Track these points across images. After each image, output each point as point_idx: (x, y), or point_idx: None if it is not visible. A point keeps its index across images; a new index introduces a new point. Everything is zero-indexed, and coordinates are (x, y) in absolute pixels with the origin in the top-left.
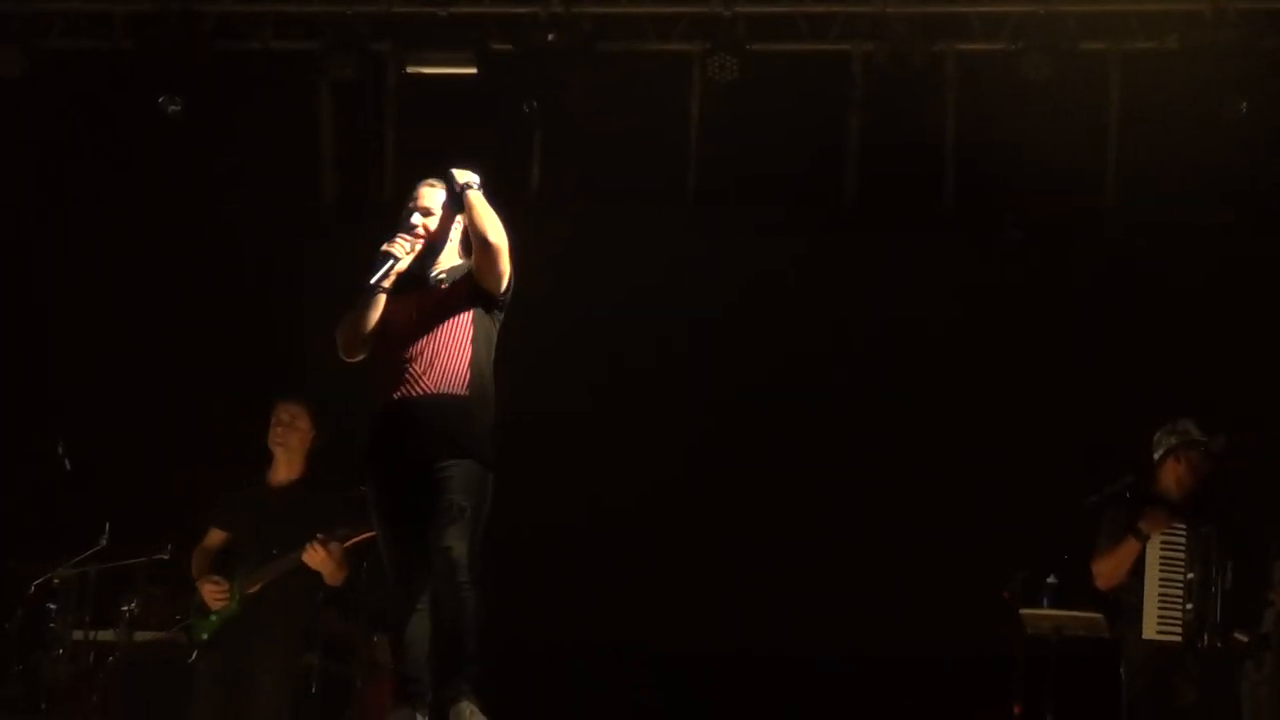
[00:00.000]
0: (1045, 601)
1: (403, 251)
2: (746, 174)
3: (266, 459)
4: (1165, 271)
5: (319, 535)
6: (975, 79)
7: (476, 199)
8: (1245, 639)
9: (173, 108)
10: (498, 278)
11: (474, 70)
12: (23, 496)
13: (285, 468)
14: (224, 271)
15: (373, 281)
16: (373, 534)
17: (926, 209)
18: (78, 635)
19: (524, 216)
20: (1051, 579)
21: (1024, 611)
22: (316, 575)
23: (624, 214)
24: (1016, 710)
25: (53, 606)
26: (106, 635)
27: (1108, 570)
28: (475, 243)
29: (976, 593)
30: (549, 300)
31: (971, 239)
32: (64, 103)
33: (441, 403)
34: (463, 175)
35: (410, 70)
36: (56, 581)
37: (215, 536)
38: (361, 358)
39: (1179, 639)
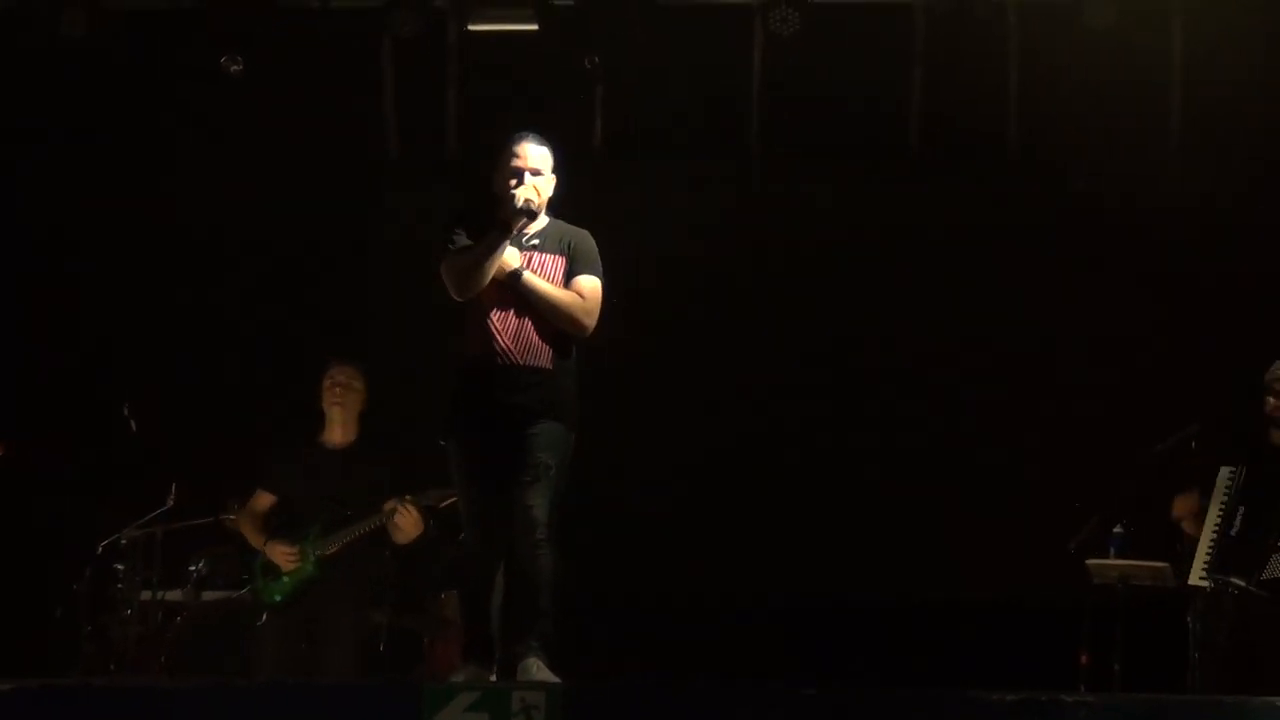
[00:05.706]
0: (1112, 551)
1: (537, 208)
2: (809, 128)
3: (319, 421)
4: (1227, 217)
5: (407, 496)
6: (1038, 28)
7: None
8: (1240, 584)
9: (235, 68)
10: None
11: (535, 26)
12: (89, 458)
13: (341, 429)
14: (285, 231)
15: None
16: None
17: (990, 160)
18: (146, 595)
19: (587, 172)
20: (1118, 529)
21: (1090, 562)
22: (384, 533)
23: (687, 168)
24: (1083, 660)
25: (120, 567)
26: (174, 595)
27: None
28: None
29: (1043, 543)
30: (611, 255)
31: (1036, 190)
32: (127, 62)
33: (530, 364)
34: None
35: (471, 27)
36: (124, 542)
37: (263, 500)
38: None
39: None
